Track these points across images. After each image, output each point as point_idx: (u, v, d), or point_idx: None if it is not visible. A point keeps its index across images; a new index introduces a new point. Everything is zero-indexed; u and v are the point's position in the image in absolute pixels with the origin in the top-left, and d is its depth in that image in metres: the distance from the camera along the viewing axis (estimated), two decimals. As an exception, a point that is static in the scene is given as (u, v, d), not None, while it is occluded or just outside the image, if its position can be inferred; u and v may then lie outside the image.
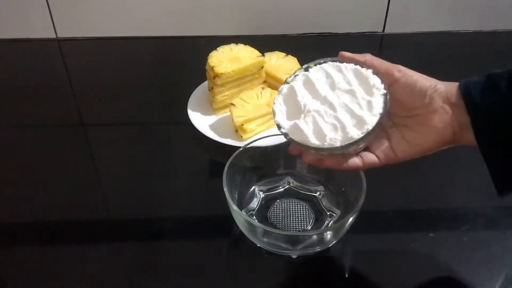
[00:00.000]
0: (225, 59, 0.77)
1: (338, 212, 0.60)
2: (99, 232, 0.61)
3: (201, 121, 0.76)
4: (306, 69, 0.49)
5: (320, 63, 0.49)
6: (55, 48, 0.99)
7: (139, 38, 1.01)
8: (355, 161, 0.47)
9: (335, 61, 0.49)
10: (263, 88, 0.76)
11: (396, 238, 0.59)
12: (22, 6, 0.95)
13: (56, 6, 0.96)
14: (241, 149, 0.60)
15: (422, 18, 1.00)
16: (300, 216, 0.60)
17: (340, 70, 0.47)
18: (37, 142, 0.76)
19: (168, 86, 0.88)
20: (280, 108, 0.48)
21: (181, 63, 0.95)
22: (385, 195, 0.64)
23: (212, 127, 0.75)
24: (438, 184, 0.66)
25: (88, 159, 0.73)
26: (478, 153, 0.44)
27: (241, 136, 0.72)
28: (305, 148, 0.45)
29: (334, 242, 0.55)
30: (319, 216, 0.60)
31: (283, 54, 0.83)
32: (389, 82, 0.46)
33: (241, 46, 0.80)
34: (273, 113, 0.48)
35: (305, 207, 0.62)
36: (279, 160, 0.64)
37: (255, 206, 0.62)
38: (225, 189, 0.54)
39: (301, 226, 0.59)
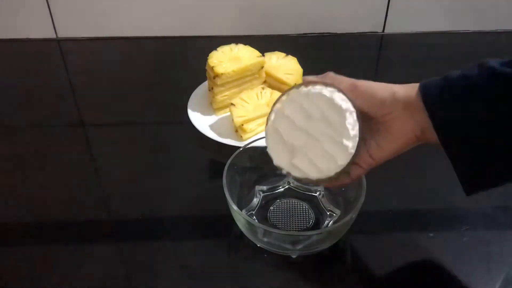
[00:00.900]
0: (225, 59, 0.77)
1: (338, 212, 0.60)
2: (99, 232, 0.61)
3: (201, 121, 0.76)
4: (278, 103, 0.50)
5: (288, 94, 0.50)
6: (55, 48, 0.99)
7: (139, 38, 1.01)
8: (345, 180, 0.50)
9: (301, 86, 0.49)
10: (263, 88, 0.76)
11: (396, 238, 0.59)
12: (22, 6, 0.95)
13: (56, 6, 0.96)
14: (241, 149, 0.60)
15: (422, 18, 1.00)
16: (300, 216, 0.60)
17: (308, 97, 0.48)
18: (37, 142, 0.76)
19: (168, 86, 0.89)
20: (274, 151, 0.50)
21: (181, 63, 0.95)
22: (385, 195, 0.64)
23: (212, 127, 0.75)
24: (438, 184, 0.66)
25: (88, 159, 0.73)
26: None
27: (241, 136, 0.72)
28: (308, 181, 0.49)
29: (334, 242, 0.55)
30: (319, 216, 0.60)
31: (283, 54, 0.83)
32: (351, 96, 0.47)
33: (241, 46, 0.80)
34: (270, 157, 0.50)
35: (305, 207, 0.62)
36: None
37: (255, 206, 0.62)
38: (225, 189, 0.54)
39: (301, 226, 0.59)
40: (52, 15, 0.97)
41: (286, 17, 0.99)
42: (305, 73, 0.80)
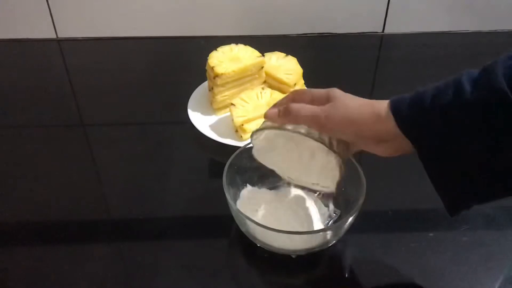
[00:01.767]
0: (225, 59, 0.77)
1: (338, 212, 0.60)
2: (99, 232, 0.61)
3: (201, 121, 0.76)
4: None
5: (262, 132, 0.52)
6: (55, 48, 0.99)
7: (139, 38, 1.01)
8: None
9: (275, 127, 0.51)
10: (263, 88, 0.76)
11: (396, 238, 0.59)
12: (22, 6, 0.95)
13: (56, 6, 0.96)
14: (241, 149, 0.60)
15: (422, 18, 1.00)
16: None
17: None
18: (37, 142, 0.76)
19: (168, 86, 0.88)
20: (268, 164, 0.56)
21: (181, 63, 0.95)
22: (385, 195, 0.64)
23: (212, 127, 0.75)
24: (438, 184, 0.66)
25: (88, 159, 0.73)
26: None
27: (241, 136, 0.72)
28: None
29: (334, 242, 0.55)
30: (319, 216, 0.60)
31: (283, 54, 0.83)
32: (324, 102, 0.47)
33: (241, 46, 0.80)
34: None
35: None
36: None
37: (255, 206, 0.62)
38: (225, 189, 0.54)
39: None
40: (52, 15, 0.97)
41: (286, 17, 0.99)
42: (305, 73, 0.80)
